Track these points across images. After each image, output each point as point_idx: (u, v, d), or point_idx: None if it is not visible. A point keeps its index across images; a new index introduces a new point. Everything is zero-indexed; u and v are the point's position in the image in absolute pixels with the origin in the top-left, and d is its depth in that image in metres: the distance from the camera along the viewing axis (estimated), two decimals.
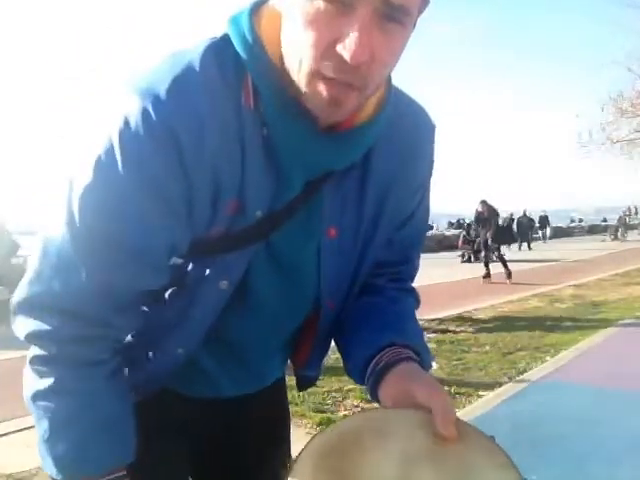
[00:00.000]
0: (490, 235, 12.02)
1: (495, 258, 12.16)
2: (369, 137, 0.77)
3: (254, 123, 0.72)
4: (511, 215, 26.36)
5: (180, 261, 0.77)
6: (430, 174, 0.92)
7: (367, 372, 0.82)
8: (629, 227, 35.47)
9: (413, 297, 0.97)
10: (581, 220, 46.76)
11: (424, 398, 0.71)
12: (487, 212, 12.15)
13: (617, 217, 34.21)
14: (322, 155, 0.75)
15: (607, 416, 3.60)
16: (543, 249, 23.56)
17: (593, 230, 37.54)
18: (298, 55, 0.65)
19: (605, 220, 45.89)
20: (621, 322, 7.05)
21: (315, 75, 0.64)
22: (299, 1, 0.63)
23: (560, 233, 32.90)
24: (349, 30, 0.61)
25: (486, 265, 12.11)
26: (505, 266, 11.90)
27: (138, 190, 0.69)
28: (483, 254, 12.41)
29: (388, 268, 0.93)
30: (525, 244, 24.55)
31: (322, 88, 0.65)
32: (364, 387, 0.85)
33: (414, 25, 0.68)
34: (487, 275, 12.06)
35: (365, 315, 0.89)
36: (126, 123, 0.68)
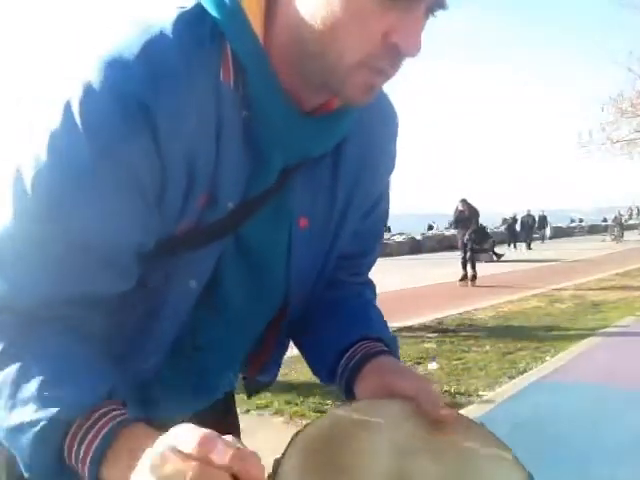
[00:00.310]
0: (469, 235, 11.80)
1: (468, 259, 11.82)
2: (347, 122, 0.74)
3: (233, 103, 0.65)
4: (514, 215, 26.44)
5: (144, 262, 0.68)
6: (394, 164, 0.89)
7: (339, 368, 0.79)
8: (626, 227, 35.24)
9: (370, 289, 0.95)
10: (581, 220, 46.78)
11: (410, 388, 0.69)
12: (468, 211, 11.97)
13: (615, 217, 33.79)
14: (305, 139, 0.70)
15: (607, 416, 3.60)
16: (541, 249, 23.53)
17: (593, 230, 37.53)
18: (339, 43, 0.61)
19: (605, 220, 45.91)
20: (621, 322, 7.05)
21: (362, 65, 0.62)
22: None
23: (560, 233, 32.91)
24: (405, 23, 0.60)
25: (464, 267, 11.84)
26: (473, 268, 11.68)
27: (102, 172, 0.59)
28: (463, 255, 12.01)
29: (349, 261, 0.90)
30: (525, 244, 24.58)
31: (364, 76, 0.63)
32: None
33: None
34: (464, 277, 11.80)
35: (331, 310, 0.86)
36: (87, 89, 0.58)
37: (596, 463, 2.86)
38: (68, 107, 0.58)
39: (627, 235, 30.85)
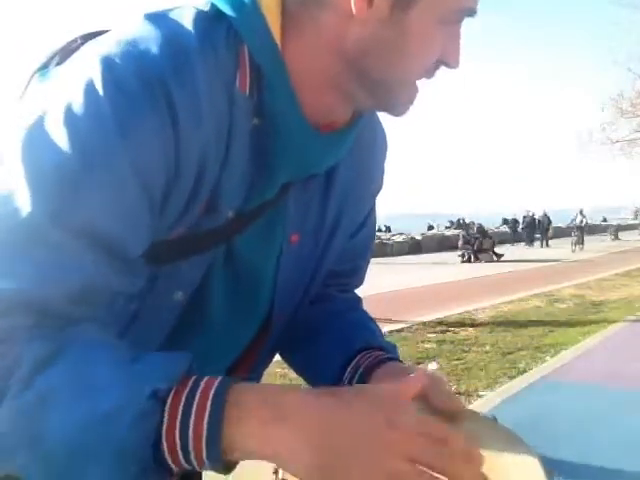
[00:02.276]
0: None
1: None
2: (351, 139, 0.74)
3: (245, 111, 0.63)
4: (533, 214, 26.66)
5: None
6: (382, 184, 0.90)
7: (345, 378, 0.78)
8: (625, 228, 33.97)
9: (361, 303, 0.95)
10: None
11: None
12: None
13: (623, 217, 31.28)
14: (315, 154, 0.69)
15: (607, 416, 3.60)
16: (539, 250, 23.50)
17: (593, 230, 37.49)
18: (405, 71, 0.65)
19: (605, 220, 45.89)
20: (621, 321, 7.05)
21: (415, 82, 0.67)
22: (419, 17, 0.61)
23: (560, 233, 32.88)
24: (454, 41, 0.65)
25: None
26: None
27: (121, 156, 0.54)
28: None
29: (337, 279, 0.90)
30: (523, 244, 24.66)
31: (414, 91, 0.68)
32: None
33: None
34: None
35: (328, 322, 0.86)
36: (111, 68, 0.55)
37: (596, 463, 2.86)
38: (91, 85, 0.55)
39: (627, 235, 30.72)
